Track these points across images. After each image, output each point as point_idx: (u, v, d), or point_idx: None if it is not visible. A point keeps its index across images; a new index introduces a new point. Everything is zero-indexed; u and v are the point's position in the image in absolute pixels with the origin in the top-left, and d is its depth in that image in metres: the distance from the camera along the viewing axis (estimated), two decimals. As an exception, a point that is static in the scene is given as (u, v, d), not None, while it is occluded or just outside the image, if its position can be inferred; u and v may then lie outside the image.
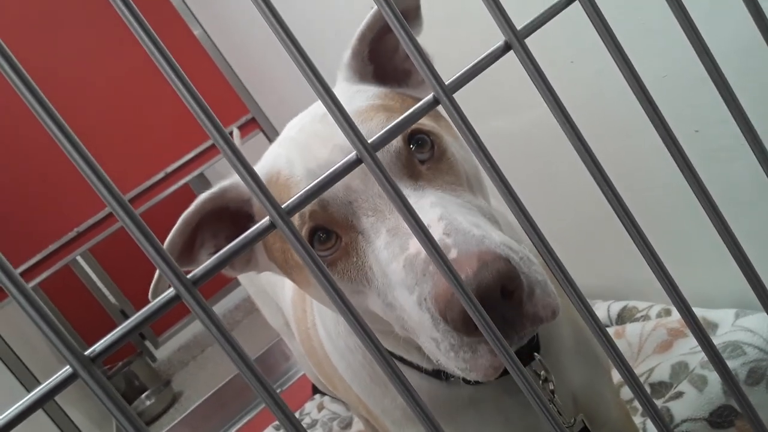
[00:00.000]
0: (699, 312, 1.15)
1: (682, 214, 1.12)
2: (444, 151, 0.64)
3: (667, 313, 1.26)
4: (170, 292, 0.30)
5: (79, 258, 3.07)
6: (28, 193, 2.55)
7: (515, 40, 0.35)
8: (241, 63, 2.61)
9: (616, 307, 1.37)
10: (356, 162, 0.33)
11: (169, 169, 2.59)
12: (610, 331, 1.31)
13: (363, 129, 0.56)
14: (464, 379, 0.72)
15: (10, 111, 2.38)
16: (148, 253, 0.29)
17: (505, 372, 0.39)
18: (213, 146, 2.62)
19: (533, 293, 0.51)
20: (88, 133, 2.49)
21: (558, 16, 0.39)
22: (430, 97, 0.34)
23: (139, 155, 2.58)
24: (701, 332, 0.37)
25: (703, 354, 1.08)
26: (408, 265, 0.54)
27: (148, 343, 3.52)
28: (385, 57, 0.76)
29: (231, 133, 2.37)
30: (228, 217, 0.72)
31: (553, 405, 0.72)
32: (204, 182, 3.32)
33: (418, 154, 0.63)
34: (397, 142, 0.61)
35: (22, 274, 2.47)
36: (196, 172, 2.62)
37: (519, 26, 0.36)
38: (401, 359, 0.75)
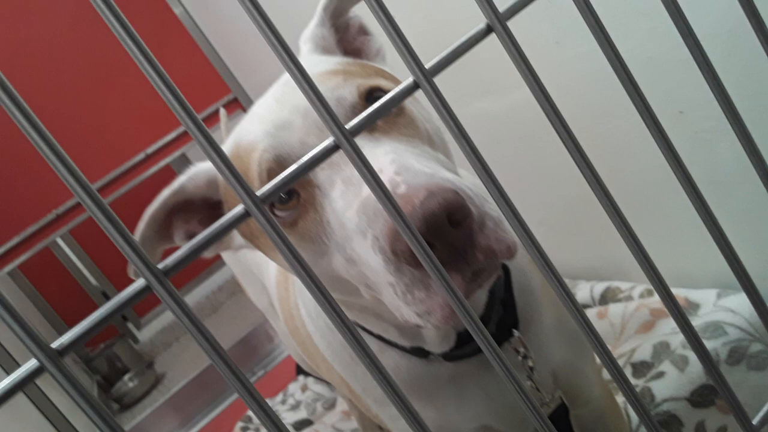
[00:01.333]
0: (681, 292, 1.16)
1: (666, 194, 1.12)
2: (402, 108, 0.65)
3: (650, 293, 1.27)
4: (141, 282, 0.29)
5: (59, 240, 3.03)
6: (5, 174, 2.51)
7: (497, 23, 0.34)
8: (223, 42, 2.57)
9: (600, 287, 1.37)
10: (334, 148, 0.32)
11: (150, 149, 2.56)
12: (593, 311, 1.31)
13: (320, 89, 0.56)
14: (445, 356, 0.73)
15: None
16: (117, 242, 0.28)
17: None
18: (194, 126, 2.59)
19: (485, 225, 0.51)
20: (66, 114, 2.45)
21: (541, -4, 0.38)
22: (410, 80, 0.33)
23: (118, 136, 2.55)
24: (678, 310, 0.37)
25: (684, 335, 1.09)
26: (361, 208, 0.54)
27: (130, 325, 3.50)
28: (340, 33, 0.78)
29: (217, 113, 2.34)
30: (197, 204, 0.73)
31: (532, 381, 0.73)
32: (186, 163, 3.29)
33: None
34: (351, 97, 0.62)
35: (0, 256, 2.44)
36: (177, 153, 2.60)
37: (501, 8, 0.35)
38: (380, 338, 0.75)
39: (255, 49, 2.28)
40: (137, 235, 0.70)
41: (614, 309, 1.28)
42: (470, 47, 0.34)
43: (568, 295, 0.36)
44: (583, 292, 1.39)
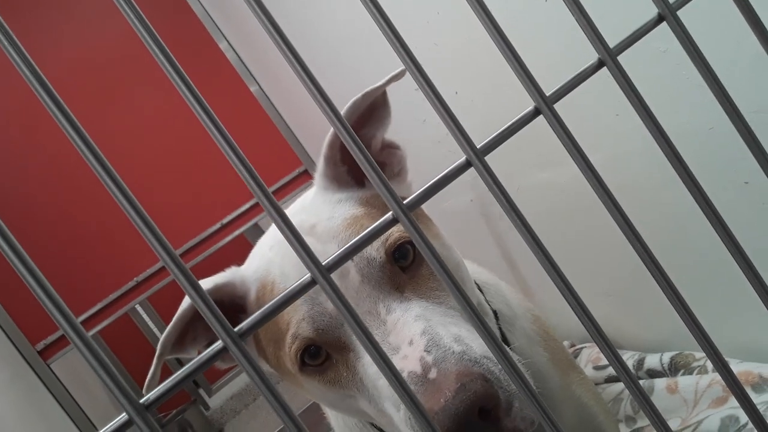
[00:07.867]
0: (755, 367, 1.11)
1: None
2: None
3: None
4: (219, 343, 0.32)
5: (137, 306, 3.15)
6: (90, 244, 2.65)
7: (544, 106, 0.36)
8: (295, 118, 2.70)
9: (669, 353, 1.34)
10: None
11: (225, 220, 2.67)
12: (662, 383, 1.27)
13: (346, 240, 0.62)
14: None
15: (73, 168, 2.50)
16: (197, 304, 0.31)
17: None
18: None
19: (512, 407, 0.53)
20: (149, 186, 2.59)
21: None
22: (462, 160, 0.36)
23: (196, 208, 2.68)
24: (735, 384, 0.37)
25: (760, 411, 1.04)
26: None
27: (201, 391, 3.56)
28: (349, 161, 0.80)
29: (289, 184, 2.42)
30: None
31: None
32: (258, 232, 3.40)
33: (401, 260, 0.66)
34: (379, 256, 0.65)
35: (84, 322, 2.55)
36: (250, 224, 2.70)
37: (549, 89, 0.38)
38: None
39: (324, 124, 2.38)
40: (164, 335, 0.76)
41: (685, 383, 1.24)
42: (519, 128, 0.37)
43: (627, 373, 0.37)
44: (652, 360, 1.36)
